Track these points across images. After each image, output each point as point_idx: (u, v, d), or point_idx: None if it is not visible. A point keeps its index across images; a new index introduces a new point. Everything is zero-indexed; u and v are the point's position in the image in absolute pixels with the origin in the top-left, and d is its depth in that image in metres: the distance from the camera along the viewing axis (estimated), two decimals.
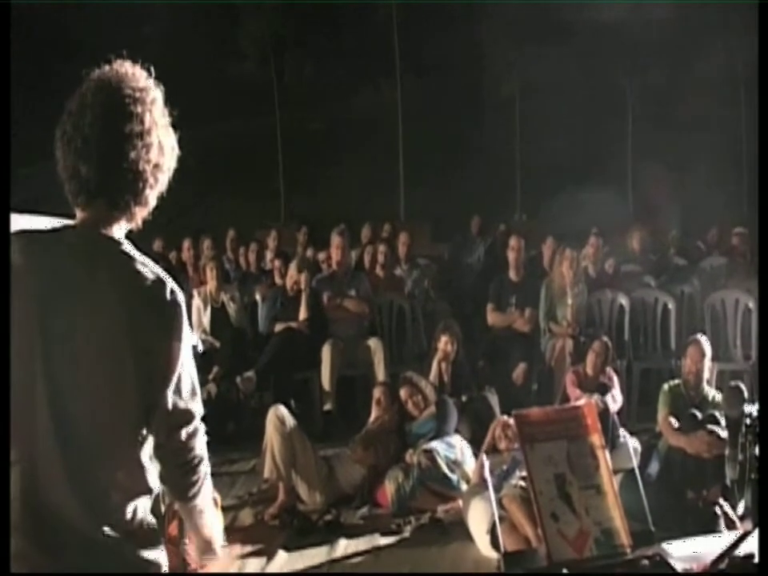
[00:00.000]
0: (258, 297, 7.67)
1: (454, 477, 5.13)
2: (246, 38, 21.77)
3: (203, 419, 1.93)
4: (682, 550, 2.64)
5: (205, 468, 1.94)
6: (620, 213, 14.82)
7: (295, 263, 7.29)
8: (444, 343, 6.15)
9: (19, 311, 1.72)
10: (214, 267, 7.31)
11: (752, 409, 2.67)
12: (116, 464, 1.78)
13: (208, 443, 1.95)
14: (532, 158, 19.80)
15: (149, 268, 1.81)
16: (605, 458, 2.73)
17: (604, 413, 5.09)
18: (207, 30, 22.61)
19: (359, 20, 22.29)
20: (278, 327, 6.97)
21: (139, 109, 1.80)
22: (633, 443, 5.03)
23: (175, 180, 1.90)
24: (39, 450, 1.72)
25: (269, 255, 8.92)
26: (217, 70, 24.15)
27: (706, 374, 5.29)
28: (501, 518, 3.79)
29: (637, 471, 3.20)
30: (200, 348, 6.55)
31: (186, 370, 1.86)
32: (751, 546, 2.39)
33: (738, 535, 2.51)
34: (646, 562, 2.51)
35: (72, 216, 1.85)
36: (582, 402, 4.13)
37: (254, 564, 4.45)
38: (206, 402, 2.03)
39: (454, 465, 5.18)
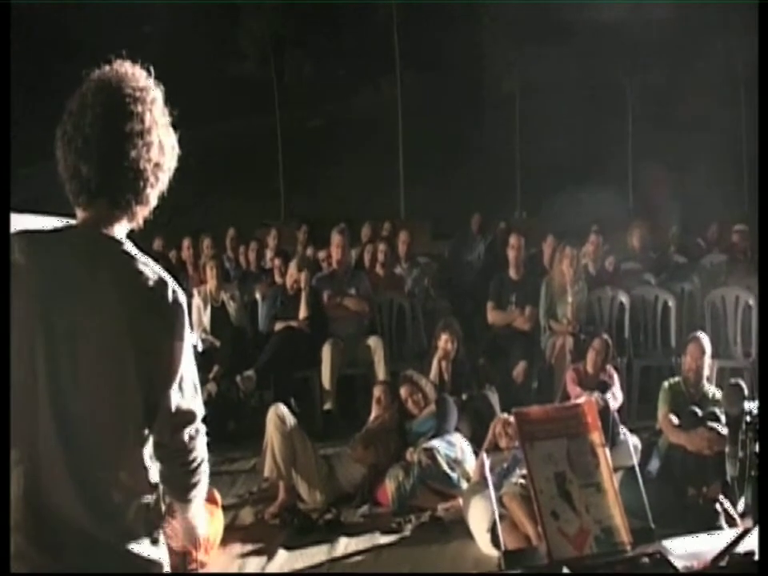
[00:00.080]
0: (258, 296, 7.67)
1: (454, 475, 5.13)
2: (246, 37, 21.77)
3: (203, 419, 1.93)
4: (683, 548, 2.64)
5: (205, 469, 1.95)
6: (620, 211, 14.82)
7: (295, 262, 7.29)
8: (444, 341, 6.16)
9: (21, 311, 1.72)
10: (214, 266, 7.31)
11: (752, 406, 2.67)
12: (118, 464, 1.78)
13: (208, 442, 1.96)
14: (532, 157, 19.80)
15: (150, 268, 1.81)
16: (605, 455, 2.73)
17: (604, 410, 5.09)
18: (207, 29, 22.62)
19: (359, 20, 22.30)
20: (278, 326, 6.97)
21: (139, 108, 1.80)
22: (633, 441, 5.03)
23: (175, 179, 1.91)
24: (41, 449, 1.72)
25: (269, 254, 8.92)
26: (217, 70, 24.16)
27: (706, 372, 5.29)
28: (501, 516, 3.80)
29: (637, 469, 3.21)
30: (199, 347, 6.59)
31: (188, 369, 1.86)
32: (751, 543, 2.39)
33: (738, 532, 2.51)
34: (646, 559, 2.51)
35: (73, 216, 1.86)
36: (582, 399, 4.14)
37: (255, 563, 4.45)
38: (207, 401, 2.04)
39: (455, 463, 5.18)
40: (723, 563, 2.41)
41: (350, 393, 6.97)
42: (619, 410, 5.78)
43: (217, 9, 21.46)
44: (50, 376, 1.72)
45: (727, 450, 2.70)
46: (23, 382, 1.72)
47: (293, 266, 7.20)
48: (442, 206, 17.57)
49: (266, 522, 4.97)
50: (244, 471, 5.82)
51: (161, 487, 1.89)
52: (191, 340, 1.89)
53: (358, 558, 4.50)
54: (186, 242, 8.86)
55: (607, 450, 2.74)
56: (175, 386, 1.83)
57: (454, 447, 5.27)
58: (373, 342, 6.86)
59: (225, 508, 4.81)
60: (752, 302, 6.79)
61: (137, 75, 1.84)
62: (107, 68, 1.84)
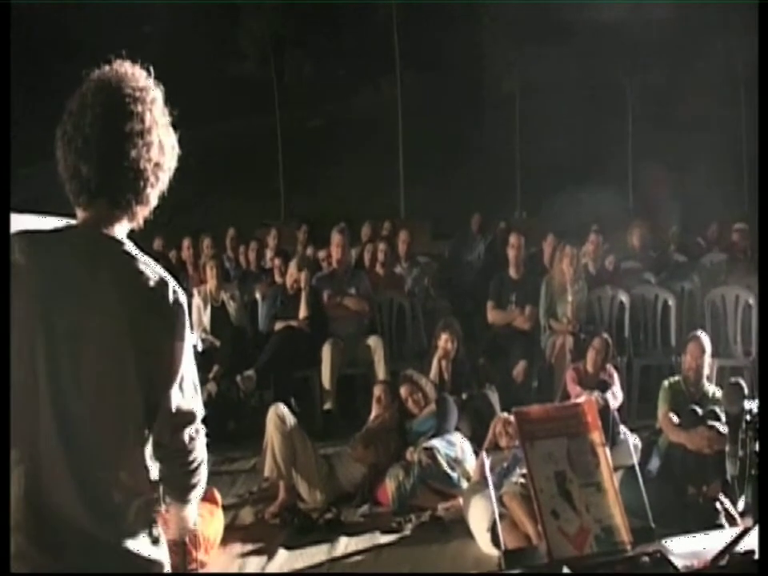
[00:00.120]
0: (258, 295, 7.67)
1: (454, 474, 5.13)
2: (246, 37, 21.80)
3: (203, 419, 1.94)
4: (683, 547, 2.64)
5: (204, 470, 1.95)
6: (620, 210, 14.82)
7: (295, 262, 7.29)
8: (444, 341, 6.16)
9: (21, 311, 1.72)
10: (214, 266, 7.31)
11: (752, 405, 2.67)
12: (118, 464, 1.78)
13: (208, 443, 1.96)
14: (532, 156, 19.82)
15: (151, 268, 1.81)
16: (605, 455, 2.72)
17: (604, 410, 5.09)
18: (207, 29, 22.64)
19: (359, 20, 22.33)
20: (278, 326, 6.97)
21: (139, 108, 1.80)
22: (633, 440, 5.04)
23: (175, 179, 1.91)
24: (42, 449, 1.72)
25: (269, 254, 8.92)
26: (217, 70, 24.18)
27: (706, 371, 5.30)
28: (501, 516, 3.80)
29: (637, 468, 3.20)
30: (199, 347, 6.59)
31: (188, 370, 1.87)
32: (751, 542, 2.39)
33: (738, 531, 2.51)
34: (646, 558, 2.51)
35: (73, 216, 1.86)
36: (582, 399, 4.14)
37: (255, 563, 4.46)
38: (207, 401, 2.05)
39: (455, 462, 5.18)
40: (723, 562, 2.40)
41: (350, 392, 6.98)
42: (619, 409, 5.78)
43: (217, 9, 21.49)
44: (50, 376, 1.72)
45: (727, 448, 2.70)
46: (24, 382, 1.72)
47: (293, 266, 7.20)
48: (442, 206, 17.58)
49: (266, 522, 4.97)
50: (244, 471, 5.82)
51: (160, 487, 1.89)
52: (191, 340, 1.89)
53: (358, 557, 4.51)
54: (185, 242, 8.86)
55: (607, 450, 2.74)
56: (176, 386, 1.83)
57: (454, 447, 5.28)
58: (373, 341, 6.86)
59: (225, 508, 4.82)
60: (752, 300, 6.79)
61: (137, 75, 1.85)
62: (107, 68, 1.84)
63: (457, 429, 5.54)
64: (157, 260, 1.88)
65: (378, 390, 5.67)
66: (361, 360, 6.86)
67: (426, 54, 21.74)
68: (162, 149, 1.85)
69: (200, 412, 1.91)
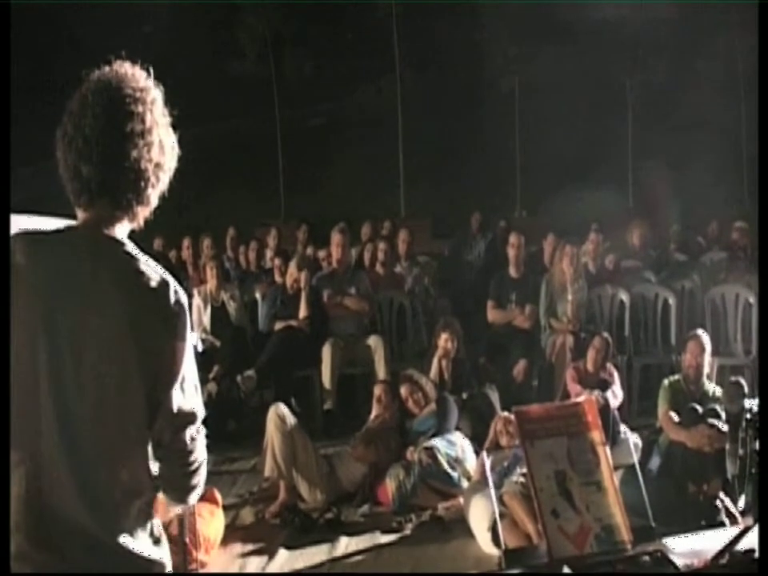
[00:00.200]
0: (258, 295, 7.67)
1: (454, 474, 5.13)
2: (246, 37, 21.81)
3: (203, 420, 1.93)
4: (683, 546, 2.64)
5: (204, 471, 1.95)
6: (620, 209, 14.84)
7: (295, 261, 7.29)
8: (444, 340, 6.16)
9: (22, 312, 1.72)
10: (214, 266, 7.32)
11: (752, 403, 2.67)
12: (120, 464, 1.78)
13: (208, 443, 1.96)
14: (532, 155, 19.83)
15: (152, 268, 1.81)
16: (605, 454, 2.73)
17: (604, 409, 5.09)
18: (207, 29, 22.64)
19: (359, 18, 22.34)
20: (279, 325, 6.97)
21: (140, 108, 1.80)
22: (633, 439, 5.04)
23: (175, 179, 1.91)
24: (43, 449, 1.72)
25: (269, 254, 8.91)
26: (216, 69, 24.20)
27: (707, 369, 5.30)
28: (501, 515, 3.80)
29: (637, 467, 3.20)
30: (200, 347, 6.58)
31: (189, 370, 1.87)
32: (752, 540, 2.40)
33: (738, 530, 2.51)
34: (646, 557, 2.51)
35: (73, 216, 1.86)
36: (582, 398, 4.14)
37: (255, 562, 4.46)
38: (207, 401, 2.05)
39: (455, 462, 5.18)
40: (724, 561, 2.41)
41: (350, 392, 6.97)
42: (619, 408, 5.79)
43: (217, 8, 21.48)
44: (51, 377, 1.72)
45: (727, 447, 2.71)
46: (25, 383, 1.71)
47: (293, 266, 7.19)
48: (442, 205, 17.60)
49: (267, 522, 4.97)
50: (244, 471, 5.82)
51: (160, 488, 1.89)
52: (192, 340, 1.89)
53: (359, 557, 4.51)
54: (185, 242, 8.87)
55: (607, 448, 2.74)
56: (177, 387, 1.83)
57: (455, 446, 5.28)
58: (373, 341, 6.86)
59: (225, 508, 4.82)
60: (752, 299, 6.79)
61: (137, 75, 1.84)
62: (107, 68, 1.84)
63: (457, 428, 5.54)
64: (157, 260, 1.87)
65: (378, 390, 5.66)
66: (361, 360, 6.86)
67: (426, 53, 21.76)
68: (163, 149, 1.85)
69: (201, 412, 1.91)
